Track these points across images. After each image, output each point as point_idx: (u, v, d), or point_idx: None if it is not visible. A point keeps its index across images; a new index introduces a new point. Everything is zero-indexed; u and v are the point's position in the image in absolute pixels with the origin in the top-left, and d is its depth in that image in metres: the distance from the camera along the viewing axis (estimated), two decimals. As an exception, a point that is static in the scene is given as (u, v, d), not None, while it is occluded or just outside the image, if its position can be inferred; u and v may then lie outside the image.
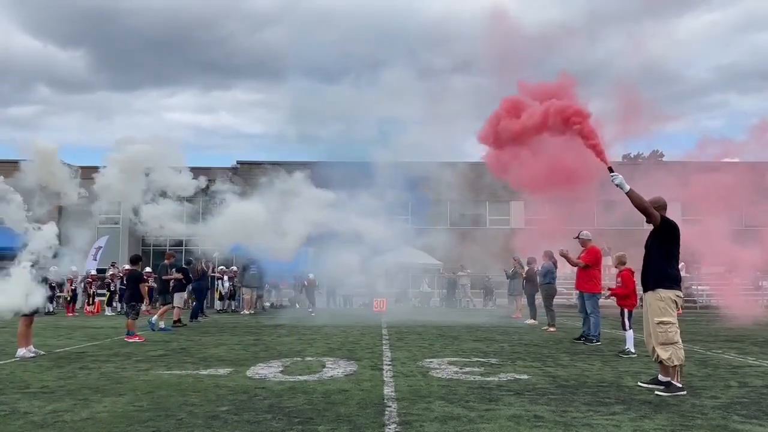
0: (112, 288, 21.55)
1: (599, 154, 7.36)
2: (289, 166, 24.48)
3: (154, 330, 13.43)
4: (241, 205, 15.72)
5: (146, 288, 14.14)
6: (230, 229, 15.31)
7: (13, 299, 9.08)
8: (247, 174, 27.01)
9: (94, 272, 22.64)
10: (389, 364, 8.26)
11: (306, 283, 22.42)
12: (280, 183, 16.76)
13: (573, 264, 11.49)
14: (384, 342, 11.12)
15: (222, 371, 7.75)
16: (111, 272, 21.71)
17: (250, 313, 20.49)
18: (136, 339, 11.57)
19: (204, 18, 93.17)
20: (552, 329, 13.49)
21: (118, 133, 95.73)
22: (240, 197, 16.43)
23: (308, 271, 21.79)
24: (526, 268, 16.54)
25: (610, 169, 6.79)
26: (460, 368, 7.89)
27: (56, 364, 8.50)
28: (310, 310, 20.70)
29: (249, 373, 7.60)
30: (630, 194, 6.41)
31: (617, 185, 6.53)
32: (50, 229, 9.75)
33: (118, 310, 21.43)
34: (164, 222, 14.12)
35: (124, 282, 18.68)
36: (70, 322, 16.97)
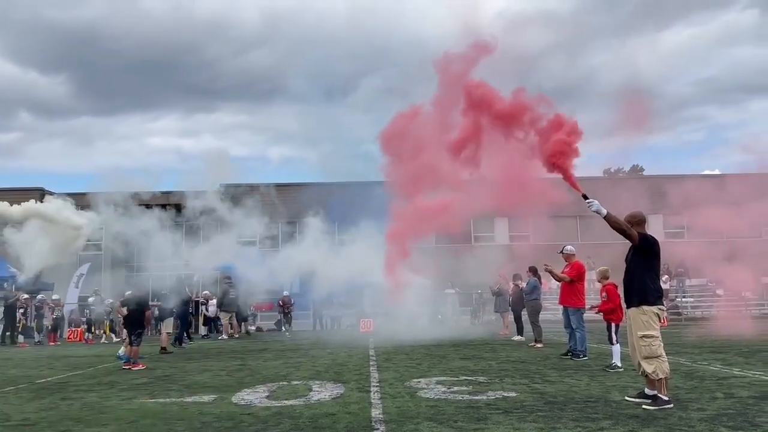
0: (111, 316, 21.18)
1: (575, 186, 7.54)
2: (275, 188, 24.60)
3: (120, 360, 12.94)
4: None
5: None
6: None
7: None
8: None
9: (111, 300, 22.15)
10: (377, 386, 8.20)
11: (281, 302, 22.35)
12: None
13: (558, 279, 11.56)
14: (371, 363, 11.04)
15: (207, 398, 7.64)
16: (110, 301, 21.44)
17: (235, 337, 20.29)
18: (141, 367, 11.47)
19: (187, 42, 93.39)
20: (539, 345, 13.48)
21: (100, 159, 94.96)
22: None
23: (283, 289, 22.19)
24: (512, 284, 16.57)
25: (585, 197, 6.85)
26: (448, 387, 7.85)
27: (37, 395, 8.34)
28: (287, 333, 20.56)
29: (234, 399, 7.50)
30: (608, 218, 6.47)
31: (594, 211, 6.59)
32: None
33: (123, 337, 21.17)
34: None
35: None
36: (51, 352, 16.69)
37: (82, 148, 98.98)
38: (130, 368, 11.32)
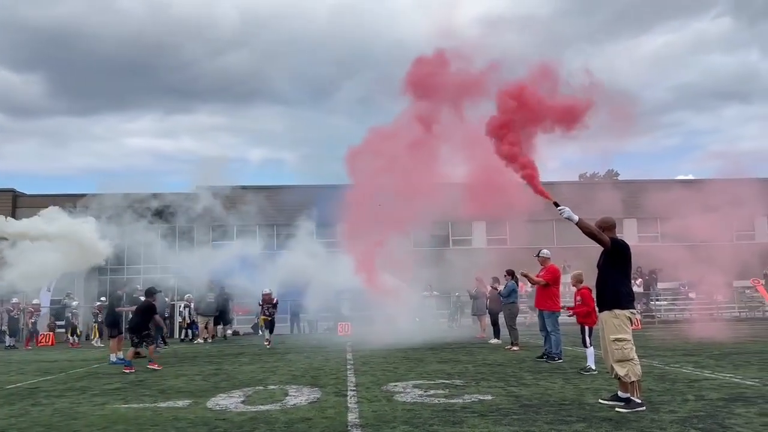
0: (99, 318, 20.78)
1: (544, 195, 7.52)
2: (252, 191, 24.54)
3: (112, 364, 13.02)
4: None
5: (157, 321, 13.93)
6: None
7: None
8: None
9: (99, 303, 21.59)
10: (353, 390, 8.19)
11: (261, 302, 17.57)
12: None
13: (533, 283, 11.66)
14: (348, 367, 11.02)
15: (181, 403, 7.57)
16: (98, 303, 21.09)
17: (209, 342, 20.10)
18: (156, 366, 11.77)
19: (165, 42, 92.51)
20: (515, 348, 13.58)
21: (75, 160, 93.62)
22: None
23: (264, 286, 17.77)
24: (489, 287, 16.66)
25: (556, 204, 6.92)
26: (425, 391, 7.87)
27: (7, 401, 8.19)
28: (266, 343, 16.74)
29: (209, 404, 7.44)
30: (579, 224, 6.55)
31: (566, 218, 6.67)
32: None
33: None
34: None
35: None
36: (22, 356, 16.38)
37: (57, 149, 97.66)
38: (155, 368, 11.69)
